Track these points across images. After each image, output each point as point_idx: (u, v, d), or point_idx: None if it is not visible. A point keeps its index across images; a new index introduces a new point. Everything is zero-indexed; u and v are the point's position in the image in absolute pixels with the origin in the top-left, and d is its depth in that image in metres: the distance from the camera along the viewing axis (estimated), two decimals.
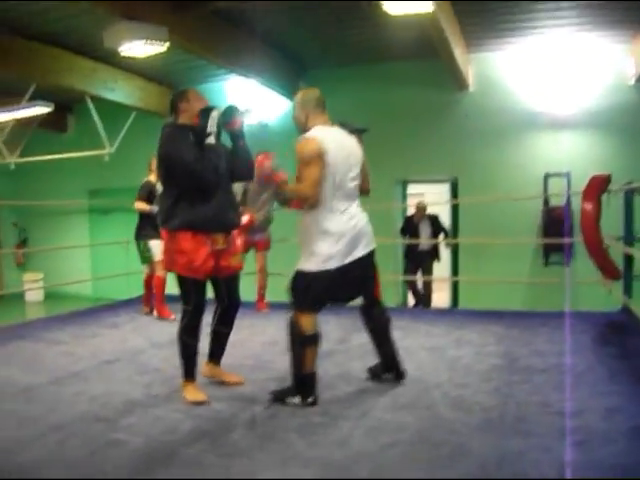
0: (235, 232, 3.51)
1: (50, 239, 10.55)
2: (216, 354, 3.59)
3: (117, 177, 9.30)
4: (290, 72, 7.83)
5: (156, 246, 5.36)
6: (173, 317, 5.32)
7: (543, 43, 6.99)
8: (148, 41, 5.00)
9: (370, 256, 3.33)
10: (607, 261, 5.09)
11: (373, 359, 3.64)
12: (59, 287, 10.26)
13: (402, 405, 3.17)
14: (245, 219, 5.03)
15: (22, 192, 10.55)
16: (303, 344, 3.16)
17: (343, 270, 3.16)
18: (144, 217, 5.57)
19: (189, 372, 3.30)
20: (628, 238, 5.29)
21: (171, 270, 3.35)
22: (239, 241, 3.80)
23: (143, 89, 8.49)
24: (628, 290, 5.29)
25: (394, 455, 2.58)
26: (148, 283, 5.82)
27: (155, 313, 5.68)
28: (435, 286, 8.55)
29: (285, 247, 5.86)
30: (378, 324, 3.54)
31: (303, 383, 3.18)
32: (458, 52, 6.41)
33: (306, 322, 3.17)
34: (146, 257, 5.66)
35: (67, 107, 10.19)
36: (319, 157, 3.06)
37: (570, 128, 7.32)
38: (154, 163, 5.47)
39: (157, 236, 5.32)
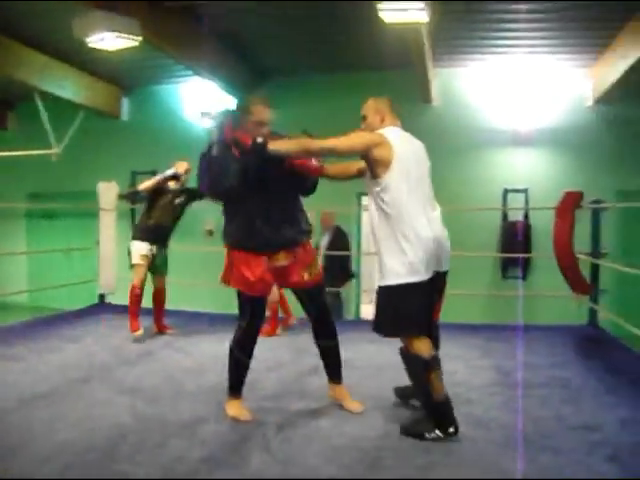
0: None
1: None
2: (330, 372, 3.35)
3: (62, 180, 8.73)
4: (252, 78, 7.61)
5: (134, 247, 4.95)
6: (140, 332, 4.91)
7: (506, 62, 7.12)
8: (120, 34, 4.66)
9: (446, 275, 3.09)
10: (578, 276, 5.16)
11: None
12: None
13: None
14: None
15: None
16: (426, 370, 2.84)
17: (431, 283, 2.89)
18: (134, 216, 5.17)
19: (234, 387, 3.15)
20: (595, 254, 5.38)
21: (226, 283, 3.20)
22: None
23: (93, 88, 8.03)
24: (595, 304, 5.37)
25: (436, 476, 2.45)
26: (154, 297, 5.24)
27: (165, 331, 5.22)
28: None
29: None
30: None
31: (438, 412, 2.85)
32: (429, 65, 6.40)
33: (419, 345, 2.87)
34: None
35: (8, 103, 9.50)
36: (374, 146, 2.90)
37: (529, 146, 7.47)
38: (181, 166, 5.17)
39: (140, 237, 4.98)
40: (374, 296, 3.01)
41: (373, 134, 2.96)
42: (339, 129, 7.84)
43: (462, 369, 4.14)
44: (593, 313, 5.38)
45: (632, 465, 2.63)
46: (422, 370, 2.84)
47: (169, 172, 5.06)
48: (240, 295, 3.15)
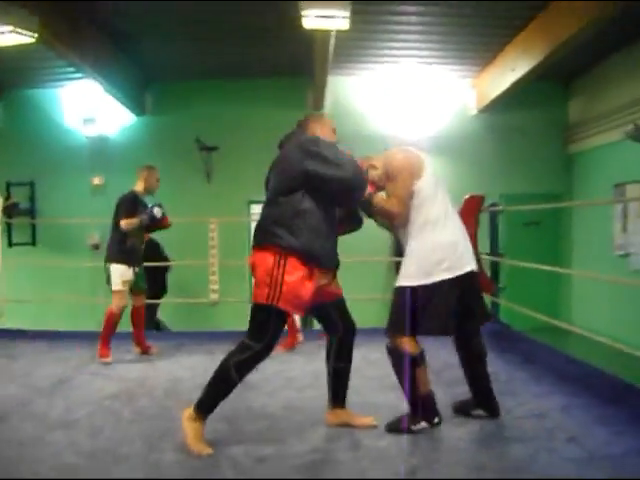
0: None
1: None
2: (341, 396, 3.10)
3: None
4: (138, 82, 7.22)
5: (116, 272, 4.55)
6: (110, 359, 4.56)
7: (395, 72, 7.37)
8: (16, 29, 4.17)
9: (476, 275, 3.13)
10: (483, 276, 5.45)
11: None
12: None
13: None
14: None
15: None
16: (413, 366, 2.92)
17: (454, 283, 2.92)
18: (114, 235, 4.65)
19: (205, 406, 2.73)
20: (495, 254, 5.73)
21: (270, 302, 2.72)
22: None
23: None
24: (495, 302, 5.70)
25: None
26: (133, 317, 4.91)
27: (149, 350, 4.91)
28: None
29: None
30: (474, 354, 3.22)
31: (423, 405, 2.96)
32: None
33: (408, 344, 2.94)
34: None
35: None
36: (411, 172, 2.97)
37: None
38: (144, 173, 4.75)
39: (120, 260, 4.56)
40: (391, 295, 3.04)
41: (408, 165, 2.98)
42: (225, 134, 7.71)
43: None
44: (495, 309, 5.71)
45: (589, 444, 2.84)
46: (409, 366, 2.91)
47: (156, 213, 4.63)
48: (267, 311, 2.72)
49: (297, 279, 2.70)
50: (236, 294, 7.04)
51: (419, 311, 2.91)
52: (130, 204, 4.58)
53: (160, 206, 4.68)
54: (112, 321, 4.63)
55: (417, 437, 2.89)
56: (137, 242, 4.75)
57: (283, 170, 2.88)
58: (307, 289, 2.73)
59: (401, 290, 2.97)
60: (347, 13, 4.30)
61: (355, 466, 2.61)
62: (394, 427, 2.95)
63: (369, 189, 3.01)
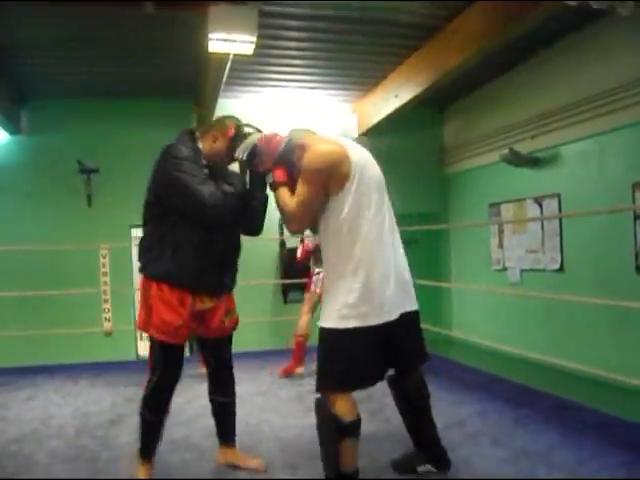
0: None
1: None
2: (223, 432, 2.90)
3: None
4: (11, 98, 6.64)
5: None
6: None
7: (280, 95, 7.46)
8: None
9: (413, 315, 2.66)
10: None
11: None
12: None
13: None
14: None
15: None
16: (341, 435, 2.37)
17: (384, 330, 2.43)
18: None
19: (144, 451, 2.62)
20: None
21: (144, 330, 2.68)
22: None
23: None
24: None
25: None
26: None
27: None
28: None
29: None
30: (415, 399, 2.80)
31: None
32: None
33: (341, 405, 2.39)
34: None
35: None
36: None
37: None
38: None
39: None
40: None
41: (328, 168, 2.47)
42: (106, 156, 7.42)
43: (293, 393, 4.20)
44: None
45: (514, 444, 3.05)
46: (335, 435, 2.38)
47: None
48: (152, 340, 2.64)
49: (162, 305, 2.58)
50: (127, 322, 6.69)
51: (337, 360, 2.42)
52: None
53: None
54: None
55: None
56: None
57: (148, 190, 2.76)
58: (173, 315, 2.58)
59: (322, 332, 2.51)
60: (254, 38, 4.28)
61: None
62: None
63: (279, 175, 2.62)
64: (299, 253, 4.64)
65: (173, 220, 2.62)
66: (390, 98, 6.60)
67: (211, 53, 4.65)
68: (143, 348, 7.49)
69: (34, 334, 6.21)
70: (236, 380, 2.94)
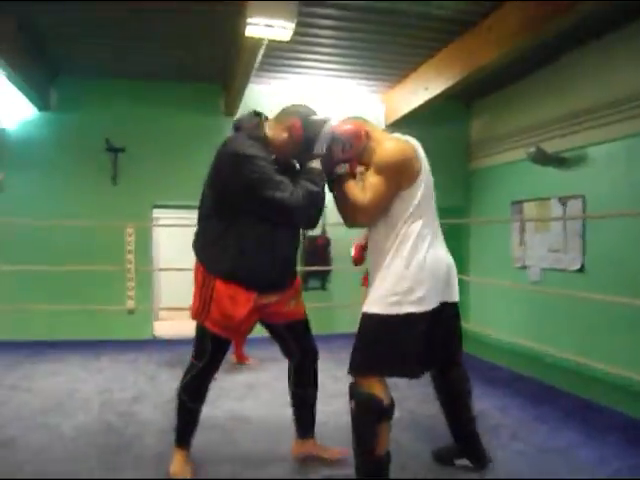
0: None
1: None
2: (305, 425, 2.87)
3: None
4: (42, 75, 6.71)
5: None
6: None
7: (307, 83, 7.46)
8: None
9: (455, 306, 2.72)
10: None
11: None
12: None
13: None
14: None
15: None
16: (379, 418, 2.39)
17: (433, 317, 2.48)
18: None
19: (180, 437, 2.65)
20: None
21: (199, 320, 2.63)
22: None
23: None
24: None
25: None
26: None
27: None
28: None
29: None
30: (456, 393, 2.81)
31: (378, 469, 2.42)
32: None
33: (379, 389, 2.43)
34: None
35: None
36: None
37: None
38: None
39: None
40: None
41: (402, 165, 2.54)
42: (133, 136, 7.46)
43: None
44: None
45: (533, 440, 3.09)
46: (374, 418, 2.40)
47: None
48: (204, 330, 2.61)
49: (225, 300, 2.53)
50: (146, 301, 6.80)
51: (383, 346, 2.43)
52: None
53: None
54: None
55: None
56: None
57: (210, 185, 2.61)
58: (237, 311, 2.54)
59: (367, 317, 2.50)
60: (292, 24, 4.29)
61: None
62: None
63: (354, 165, 2.61)
64: (353, 252, 4.58)
65: (237, 215, 2.53)
66: (419, 90, 6.60)
67: (246, 38, 4.67)
68: (158, 329, 7.64)
69: (57, 309, 6.30)
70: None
